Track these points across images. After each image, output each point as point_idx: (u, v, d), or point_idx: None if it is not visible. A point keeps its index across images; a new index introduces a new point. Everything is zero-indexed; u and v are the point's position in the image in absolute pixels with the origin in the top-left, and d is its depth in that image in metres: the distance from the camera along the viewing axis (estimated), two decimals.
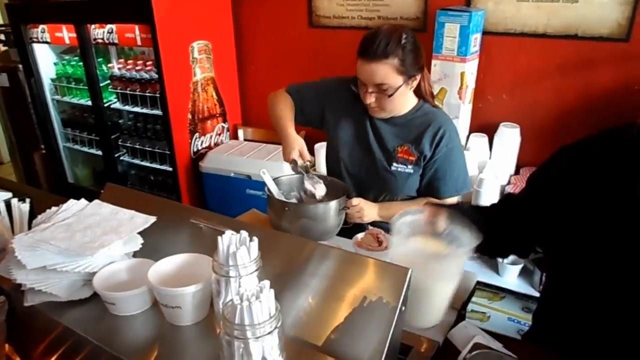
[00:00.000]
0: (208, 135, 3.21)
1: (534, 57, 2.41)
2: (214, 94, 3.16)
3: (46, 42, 3.29)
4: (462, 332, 1.25)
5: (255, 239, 0.92)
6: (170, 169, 3.12)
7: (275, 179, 1.69)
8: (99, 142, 3.44)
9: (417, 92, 1.68)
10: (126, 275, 1.09)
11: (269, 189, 1.63)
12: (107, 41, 3.00)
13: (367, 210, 1.66)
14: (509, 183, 2.42)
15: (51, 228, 1.15)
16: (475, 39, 2.35)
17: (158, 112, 3.04)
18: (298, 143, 1.64)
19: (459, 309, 1.36)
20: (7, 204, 1.43)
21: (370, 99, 1.59)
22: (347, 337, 0.94)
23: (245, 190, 2.86)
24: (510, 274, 2.39)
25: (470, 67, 2.39)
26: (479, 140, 2.54)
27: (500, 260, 2.42)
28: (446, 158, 1.65)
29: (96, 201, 1.28)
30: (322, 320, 0.98)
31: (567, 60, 2.34)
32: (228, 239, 0.92)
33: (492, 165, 2.42)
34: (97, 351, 0.99)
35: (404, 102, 1.65)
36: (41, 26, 3.23)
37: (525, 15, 2.36)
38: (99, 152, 3.48)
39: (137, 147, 3.30)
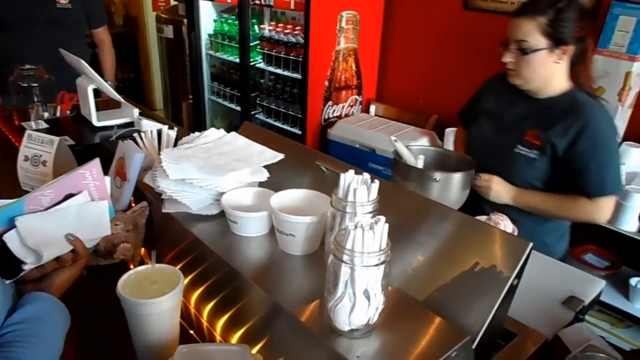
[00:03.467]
0: (341, 105, 3.27)
1: None
2: (353, 65, 3.21)
3: (211, 0, 3.57)
4: (577, 333, 1.15)
5: (377, 182, 0.93)
6: (300, 132, 3.24)
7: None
8: (239, 98, 3.68)
9: (575, 78, 1.55)
10: (250, 200, 1.17)
11: (397, 153, 1.61)
12: (263, 3, 3.17)
13: (497, 188, 1.60)
14: None
15: (193, 149, 1.26)
16: None
17: (298, 75, 3.16)
18: None
19: (577, 311, 1.25)
20: (159, 132, 1.60)
21: (507, 57, 1.55)
22: (450, 299, 0.92)
23: (368, 163, 2.88)
24: None
25: (638, 68, 2.14)
26: (633, 150, 2.28)
27: (633, 284, 2.17)
28: (591, 153, 1.50)
29: (233, 133, 1.37)
30: (428, 278, 0.97)
31: None
32: (351, 177, 0.94)
33: None
34: (217, 264, 1.08)
35: (547, 77, 1.54)
36: None
37: None
38: (238, 108, 3.72)
39: (273, 107, 3.48)
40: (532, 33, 1.47)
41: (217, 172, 1.14)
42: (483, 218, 1.50)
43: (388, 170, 1.64)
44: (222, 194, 1.16)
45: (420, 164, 1.60)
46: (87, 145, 1.93)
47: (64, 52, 2.04)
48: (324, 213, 1.00)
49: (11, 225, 0.92)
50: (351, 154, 2.96)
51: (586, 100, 1.53)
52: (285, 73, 3.27)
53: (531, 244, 0.89)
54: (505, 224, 1.47)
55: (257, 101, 3.59)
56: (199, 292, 1.15)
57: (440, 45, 3.05)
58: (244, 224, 1.08)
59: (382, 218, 0.78)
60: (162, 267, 1.00)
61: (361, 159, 2.90)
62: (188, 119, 4.27)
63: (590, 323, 2.16)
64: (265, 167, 1.25)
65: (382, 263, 0.77)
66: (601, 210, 1.55)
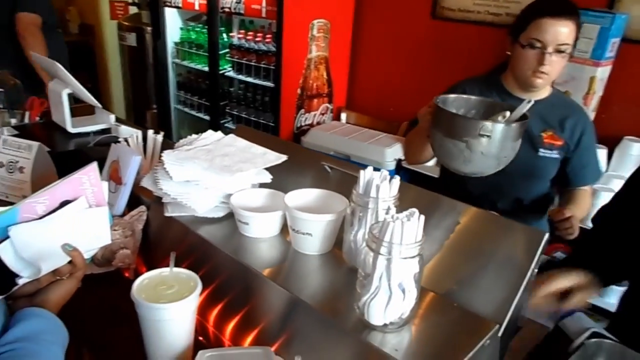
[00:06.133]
0: (312, 113, 3.28)
1: None
2: (324, 73, 3.23)
3: (178, 7, 3.52)
4: (577, 322, 1.19)
5: (398, 177, 0.94)
6: None
7: None
8: (208, 107, 3.62)
9: None
10: (259, 201, 1.15)
11: (439, 100, 1.37)
12: (233, 10, 3.15)
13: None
14: None
15: (194, 150, 1.23)
16: (614, 44, 2.22)
17: (268, 83, 3.15)
18: (421, 115, 1.50)
19: None
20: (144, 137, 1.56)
21: (550, 60, 1.47)
22: (471, 291, 0.93)
23: None
24: (612, 295, 2.25)
25: (602, 73, 2.27)
26: (598, 152, 2.40)
27: None
28: (591, 146, 1.64)
29: (232, 135, 1.35)
30: (448, 272, 0.98)
31: None
32: (370, 173, 0.94)
33: (609, 179, 2.29)
34: (226, 265, 1.05)
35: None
36: None
37: None
38: (206, 117, 3.66)
39: (243, 115, 3.44)
40: (572, 35, 1.47)
41: (224, 173, 1.12)
42: None
43: None
44: (228, 195, 1.13)
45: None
46: (61, 152, 1.84)
47: (35, 56, 1.95)
48: (341, 211, 0.99)
49: (4, 235, 0.85)
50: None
51: (568, 98, 1.63)
52: (256, 81, 3.25)
53: (547, 234, 0.92)
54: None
55: (227, 110, 3.54)
56: (203, 296, 1.12)
57: (409, 54, 3.12)
58: (256, 225, 1.06)
59: (416, 211, 0.78)
60: (178, 271, 0.97)
61: None
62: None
63: None
64: (267, 169, 1.23)
65: (418, 255, 0.77)
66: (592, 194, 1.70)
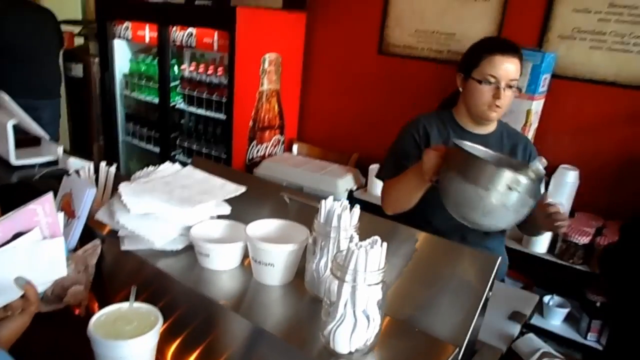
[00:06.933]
0: (264, 145, 3.30)
1: (601, 104, 2.44)
2: (276, 106, 3.27)
3: (127, 39, 3.49)
4: (528, 344, 1.25)
5: (358, 207, 0.97)
6: None
7: None
8: (158, 139, 3.57)
9: None
10: (218, 233, 1.15)
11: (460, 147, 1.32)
12: (184, 44, 3.16)
13: None
14: None
15: (152, 182, 1.22)
16: (545, 79, 2.39)
17: (220, 116, 3.15)
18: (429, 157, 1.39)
19: (522, 324, 1.36)
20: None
21: (505, 96, 1.55)
22: (431, 316, 0.96)
23: None
24: (555, 317, 2.35)
25: (536, 106, 2.43)
26: None
27: (546, 301, 2.39)
28: None
29: (189, 167, 1.35)
30: (407, 298, 1.01)
31: (637, 111, 2.35)
32: (331, 203, 0.97)
33: None
34: (185, 297, 1.04)
35: None
36: (125, 23, 3.43)
37: (596, 63, 2.40)
38: (156, 149, 3.60)
39: (194, 148, 3.41)
40: (518, 71, 1.58)
41: (185, 205, 1.11)
42: None
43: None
44: (187, 228, 1.13)
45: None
46: (3, 185, 1.77)
47: None
48: (303, 241, 1.01)
49: None
50: None
51: (513, 128, 1.73)
52: (207, 113, 3.24)
53: (500, 257, 0.98)
54: None
55: (178, 142, 3.50)
56: (160, 332, 1.09)
57: (358, 87, 3.22)
58: (217, 257, 1.06)
59: (378, 238, 0.81)
60: (138, 305, 0.94)
61: None
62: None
63: None
64: (226, 200, 1.24)
65: (381, 282, 0.80)
66: None
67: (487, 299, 0.96)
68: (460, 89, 1.66)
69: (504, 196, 1.16)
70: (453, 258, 1.04)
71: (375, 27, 3.03)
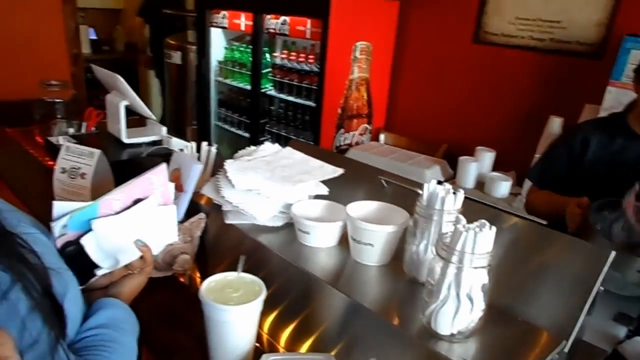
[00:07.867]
0: (352, 133, 3.32)
1: None
2: (365, 94, 3.28)
3: (223, 27, 3.64)
4: (636, 347, 1.17)
5: (462, 191, 0.95)
6: None
7: None
8: (248, 124, 3.70)
9: None
10: (318, 212, 1.17)
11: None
12: (278, 31, 3.24)
13: None
14: None
15: (254, 161, 1.27)
16: None
17: (309, 102, 3.21)
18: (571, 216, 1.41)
19: (632, 327, 1.28)
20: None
21: None
22: (535, 306, 0.93)
23: None
24: None
25: None
26: None
27: None
28: None
29: (289, 148, 1.39)
30: (513, 287, 0.98)
31: None
32: (434, 186, 0.96)
33: None
34: (285, 271, 1.08)
35: None
36: (222, 12, 3.59)
37: None
38: (246, 134, 3.74)
39: (283, 133, 3.50)
40: None
41: (286, 183, 1.15)
42: None
43: None
44: (288, 205, 1.16)
45: None
46: (115, 161, 1.92)
47: (95, 68, 2.04)
48: (403, 223, 1.01)
49: (85, 229, 0.90)
50: None
51: None
52: (297, 100, 3.32)
53: (613, 252, 0.92)
54: None
55: (267, 127, 3.61)
56: None
57: (450, 77, 3.14)
58: (317, 234, 1.09)
59: (487, 222, 0.80)
60: (243, 275, 0.99)
61: None
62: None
63: None
64: (323, 181, 1.26)
65: (488, 265, 0.78)
66: None
67: (597, 295, 0.91)
68: (635, 94, 1.54)
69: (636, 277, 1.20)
70: (559, 248, 0.99)
71: (472, 14, 2.94)
